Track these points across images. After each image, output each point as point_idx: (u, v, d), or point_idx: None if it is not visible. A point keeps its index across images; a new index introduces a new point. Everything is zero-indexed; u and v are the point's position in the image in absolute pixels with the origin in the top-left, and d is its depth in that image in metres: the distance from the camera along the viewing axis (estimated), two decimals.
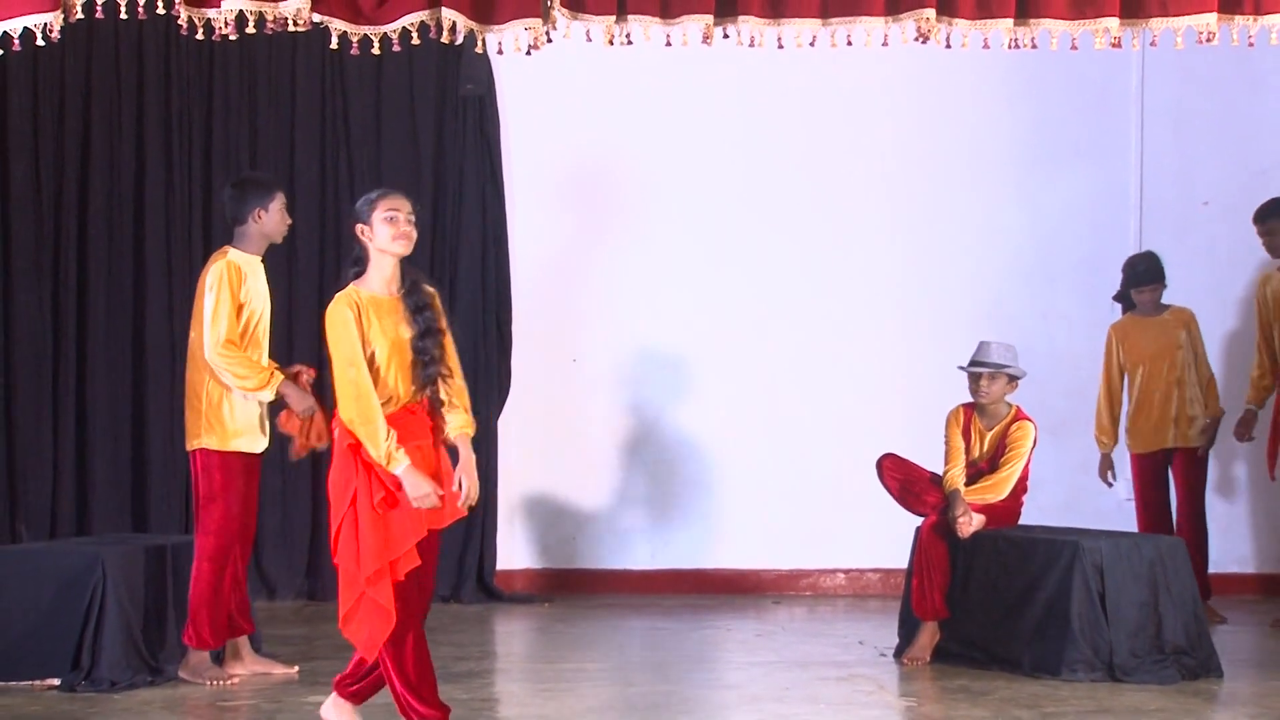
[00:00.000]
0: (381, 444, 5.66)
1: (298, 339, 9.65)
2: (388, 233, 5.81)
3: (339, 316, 5.74)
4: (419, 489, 5.68)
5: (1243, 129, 10.11)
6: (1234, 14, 7.01)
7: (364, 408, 5.68)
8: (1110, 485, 9.22)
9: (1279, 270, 8.98)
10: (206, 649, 7.21)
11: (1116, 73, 9.92)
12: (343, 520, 5.72)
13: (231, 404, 7.19)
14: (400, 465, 5.67)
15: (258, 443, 7.28)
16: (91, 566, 7.02)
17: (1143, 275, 9.09)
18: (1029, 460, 7.86)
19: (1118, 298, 9.30)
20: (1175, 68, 9.82)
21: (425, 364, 5.80)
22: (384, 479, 5.69)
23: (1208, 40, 7.06)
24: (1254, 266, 9.24)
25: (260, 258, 7.35)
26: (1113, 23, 7.04)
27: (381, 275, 5.84)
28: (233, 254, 7.26)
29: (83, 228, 9.52)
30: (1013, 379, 7.91)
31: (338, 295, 5.81)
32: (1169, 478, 9.10)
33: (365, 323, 5.75)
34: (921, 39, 7.11)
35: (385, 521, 5.69)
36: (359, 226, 5.86)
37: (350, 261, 5.89)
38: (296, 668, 7.43)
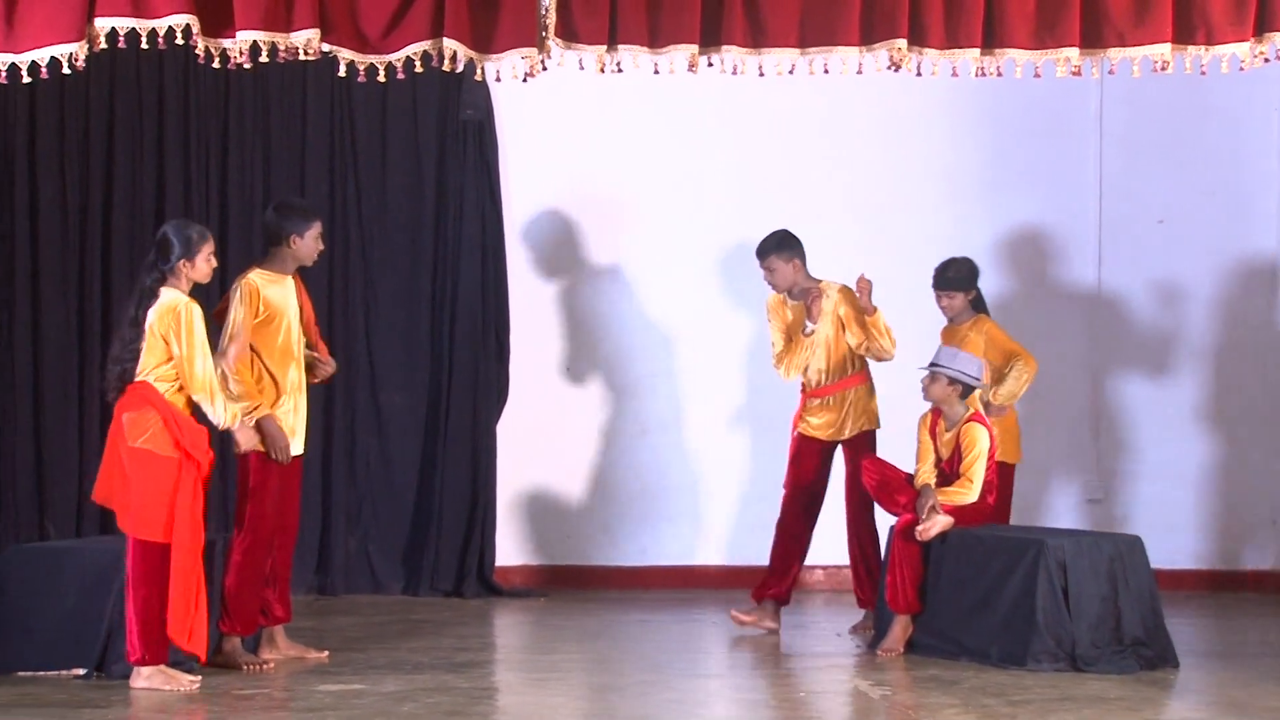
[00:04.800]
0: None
1: None
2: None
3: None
4: None
5: (1192, 152, 10.03)
6: (1187, 44, 7.00)
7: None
8: None
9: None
10: (238, 635, 7.21)
11: (1076, 99, 9.83)
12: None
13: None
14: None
15: (295, 445, 7.27)
16: (116, 563, 6.94)
17: (949, 281, 8.56)
18: (991, 462, 7.79)
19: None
20: (1131, 95, 9.76)
21: None
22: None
23: (1162, 69, 7.03)
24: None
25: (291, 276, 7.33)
26: (1073, 52, 7.02)
27: None
28: (255, 273, 7.21)
29: (107, 242, 9.45)
30: (954, 381, 7.78)
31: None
32: None
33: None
34: (894, 67, 7.09)
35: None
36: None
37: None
38: (327, 652, 7.44)
